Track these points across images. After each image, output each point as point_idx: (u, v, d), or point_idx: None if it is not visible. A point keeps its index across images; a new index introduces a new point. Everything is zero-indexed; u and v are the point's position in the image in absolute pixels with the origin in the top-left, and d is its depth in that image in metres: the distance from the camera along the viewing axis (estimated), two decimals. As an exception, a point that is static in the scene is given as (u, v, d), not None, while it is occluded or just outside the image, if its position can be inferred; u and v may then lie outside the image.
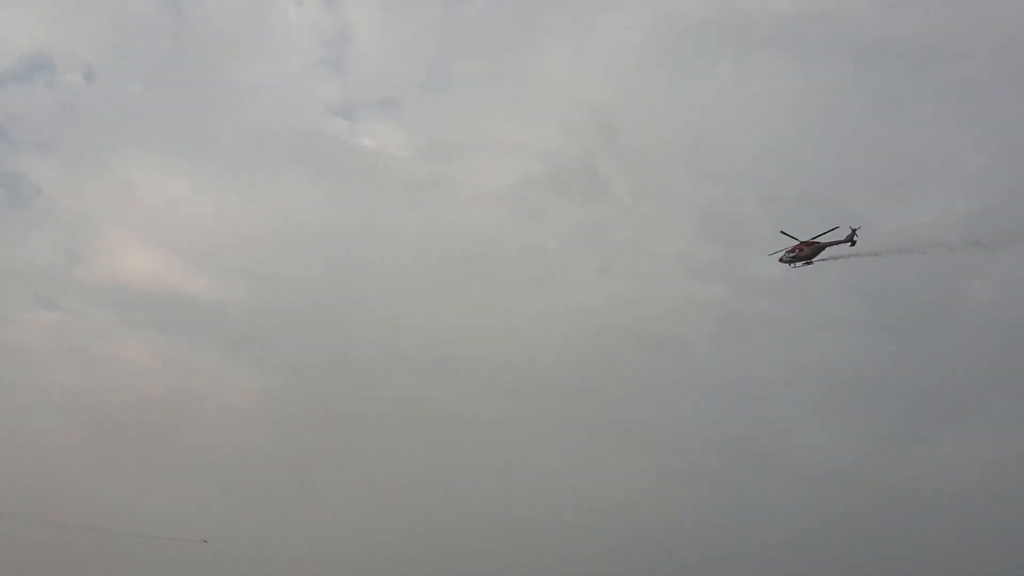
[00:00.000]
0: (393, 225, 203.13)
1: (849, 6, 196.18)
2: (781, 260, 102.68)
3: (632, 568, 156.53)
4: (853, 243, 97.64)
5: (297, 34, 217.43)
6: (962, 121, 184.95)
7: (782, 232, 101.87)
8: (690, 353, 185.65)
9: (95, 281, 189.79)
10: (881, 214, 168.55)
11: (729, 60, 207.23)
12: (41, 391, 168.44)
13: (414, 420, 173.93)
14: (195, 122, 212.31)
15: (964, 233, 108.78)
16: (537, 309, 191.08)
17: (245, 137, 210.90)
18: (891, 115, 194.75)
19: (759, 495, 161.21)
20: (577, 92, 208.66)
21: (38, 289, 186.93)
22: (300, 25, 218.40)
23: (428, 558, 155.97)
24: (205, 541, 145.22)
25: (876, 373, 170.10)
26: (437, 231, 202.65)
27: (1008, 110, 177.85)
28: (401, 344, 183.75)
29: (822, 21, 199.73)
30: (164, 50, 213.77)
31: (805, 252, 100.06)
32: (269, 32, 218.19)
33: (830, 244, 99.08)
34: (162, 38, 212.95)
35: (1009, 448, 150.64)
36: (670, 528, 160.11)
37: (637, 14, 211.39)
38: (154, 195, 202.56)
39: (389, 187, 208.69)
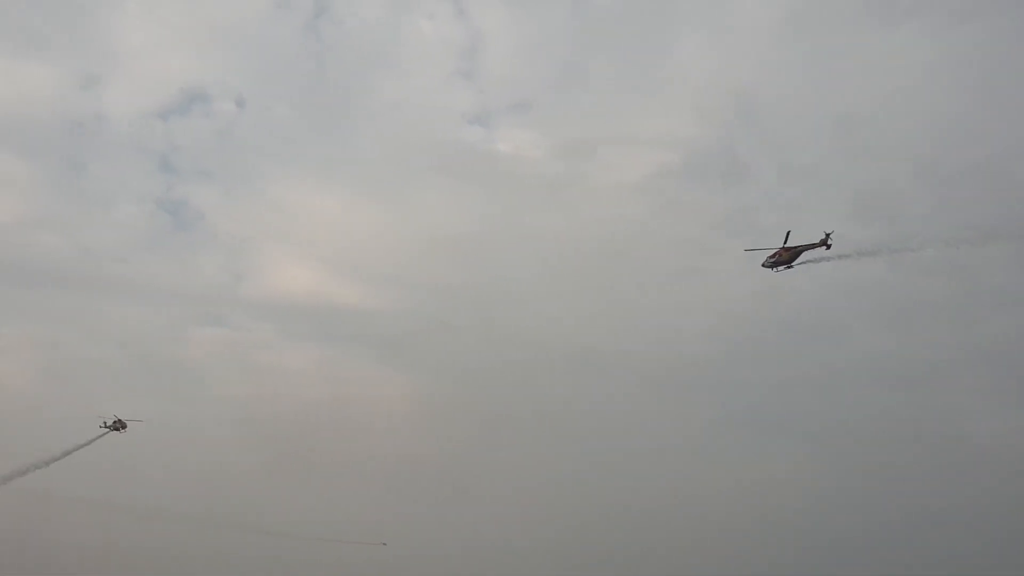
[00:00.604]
0: (533, 226, 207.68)
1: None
2: (763, 265, 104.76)
3: (796, 562, 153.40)
4: (828, 247, 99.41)
5: (431, 47, 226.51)
6: None
7: (746, 250, 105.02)
8: (849, 339, 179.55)
9: (257, 297, 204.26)
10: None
11: (873, 30, 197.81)
12: (214, 403, 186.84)
13: (564, 417, 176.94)
14: (340, 140, 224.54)
15: None
16: (683, 300, 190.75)
17: (388, 151, 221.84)
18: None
19: (932, 485, 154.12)
20: (713, 77, 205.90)
21: (207, 308, 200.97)
22: (434, 38, 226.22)
23: (583, 553, 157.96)
24: (384, 544, 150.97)
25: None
26: (576, 228, 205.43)
27: None
28: (548, 342, 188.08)
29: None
30: (308, 73, 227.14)
31: (785, 257, 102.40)
32: (405, 48, 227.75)
33: (807, 248, 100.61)
34: (305, 62, 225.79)
35: None
36: (833, 521, 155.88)
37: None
38: (306, 212, 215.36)
39: (527, 189, 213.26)
